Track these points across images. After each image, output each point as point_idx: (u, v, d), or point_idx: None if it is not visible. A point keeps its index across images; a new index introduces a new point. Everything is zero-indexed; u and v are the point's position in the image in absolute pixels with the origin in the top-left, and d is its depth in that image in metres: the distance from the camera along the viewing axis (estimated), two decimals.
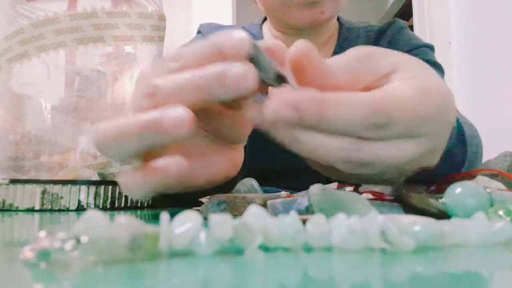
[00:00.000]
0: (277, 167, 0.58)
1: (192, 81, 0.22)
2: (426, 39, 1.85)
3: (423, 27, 1.89)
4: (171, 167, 0.22)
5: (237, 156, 0.29)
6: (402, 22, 0.68)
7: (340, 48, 0.64)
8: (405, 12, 2.40)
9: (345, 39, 0.65)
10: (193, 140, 0.27)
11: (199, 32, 0.69)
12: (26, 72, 0.43)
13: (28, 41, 0.41)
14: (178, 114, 0.21)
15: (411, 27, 1.99)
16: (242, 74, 0.21)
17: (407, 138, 0.22)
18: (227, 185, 0.29)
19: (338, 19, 0.69)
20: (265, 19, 0.70)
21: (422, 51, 0.64)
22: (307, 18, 0.58)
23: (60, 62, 0.47)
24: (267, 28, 0.68)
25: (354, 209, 0.20)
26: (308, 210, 0.20)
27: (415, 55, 0.68)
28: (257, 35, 0.67)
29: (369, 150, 0.21)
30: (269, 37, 0.67)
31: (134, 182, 0.23)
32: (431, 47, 0.66)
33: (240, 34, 0.22)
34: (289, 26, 0.62)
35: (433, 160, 0.25)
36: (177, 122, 0.21)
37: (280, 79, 0.23)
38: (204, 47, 0.22)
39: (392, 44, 0.64)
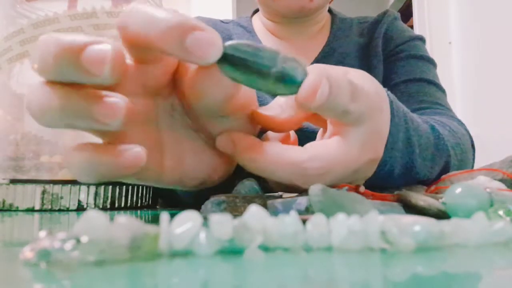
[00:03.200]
0: None
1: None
2: (426, 39, 1.85)
3: (423, 27, 1.89)
4: (128, 155, 0.20)
5: (220, 162, 0.27)
6: (395, 13, 0.68)
7: (334, 38, 0.64)
8: (405, 12, 2.40)
9: (339, 29, 0.65)
10: (170, 126, 0.25)
11: None
12: (26, 72, 0.43)
13: (28, 41, 0.41)
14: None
15: (411, 27, 2.00)
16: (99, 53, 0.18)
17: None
18: (223, 186, 0.28)
19: (331, 11, 0.69)
20: (256, 11, 0.70)
21: (415, 45, 0.64)
22: (295, 5, 0.58)
23: None
24: (258, 19, 0.68)
25: (354, 209, 0.20)
26: (308, 210, 0.20)
27: (408, 48, 0.67)
28: (247, 27, 0.67)
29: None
30: (260, 28, 0.67)
31: (79, 162, 0.21)
32: (422, 39, 0.67)
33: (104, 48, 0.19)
34: (279, 14, 0.62)
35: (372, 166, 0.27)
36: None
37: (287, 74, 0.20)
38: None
39: (388, 33, 0.64)
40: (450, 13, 1.83)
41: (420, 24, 1.92)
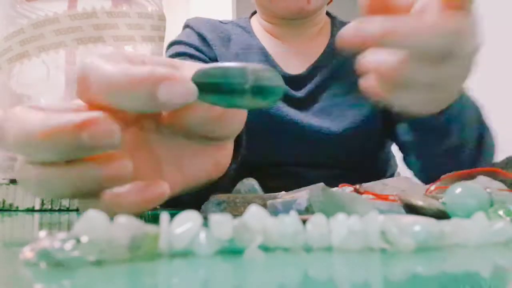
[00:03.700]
0: (277, 162, 0.58)
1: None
2: None
3: None
4: (122, 198, 0.19)
5: (221, 156, 0.26)
6: None
7: (334, 40, 0.64)
8: None
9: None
10: (160, 142, 0.24)
11: (187, 26, 0.66)
12: (26, 72, 0.43)
13: (28, 41, 0.41)
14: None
15: None
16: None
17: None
18: (212, 188, 0.27)
19: (329, 14, 0.69)
20: (254, 13, 0.70)
21: None
22: (293, 7, 0.58)
23: (60, 62, 0.47)
24: (256, 21, 0.68)
25: (354, 209, 0.20)
26: (308, 210, 0.20)
27: None
28: (246, 27, 0.67)
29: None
30: (258, 29, 0.67)
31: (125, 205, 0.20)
32: None
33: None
34: (276, 15, 0.62)
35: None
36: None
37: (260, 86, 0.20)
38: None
39: None
40: None
41: None
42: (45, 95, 0.46)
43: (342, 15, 0.70)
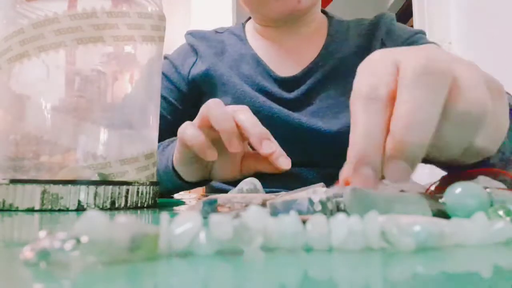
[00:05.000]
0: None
1: None
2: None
3: (423, 27, 1.89)
4: None
5: None
6: (391, 15, 0.68)
7: (331, 40, 0.64)
8: (405, 12, 2.40)
9: (336, 31, 0.65)
10: None
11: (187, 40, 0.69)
12: (26, 72, 0.43)
13: (28, 41, 0.41)
14: None
15: (411, 27, 2.00)
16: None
17: None
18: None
19: (326, 13, 0.69)
20: (249, 18, 0.71)
21: (419, 37, 0.65)
22: (284, 8, 0.59)
23: (60, 62, 0.47)
24: (251, 26, 0.68)
25: (389, 208, 0.19)
26: (308, 211, 0.20)
27: (414, 41, 0.69)
28: (240, 35, 0.67)
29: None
30: (252, 34, 0.67)
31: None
32: (424, 33, 0.68)
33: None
34: (269, 18, 0.62)
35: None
36: None
37: None
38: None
39: (390, 34, 0.64)
40: (450, 13, 1.83)
41: (420, 24, 1.92)
42: (45, 95, 0.46)
43: (342, 15, 0.70)
